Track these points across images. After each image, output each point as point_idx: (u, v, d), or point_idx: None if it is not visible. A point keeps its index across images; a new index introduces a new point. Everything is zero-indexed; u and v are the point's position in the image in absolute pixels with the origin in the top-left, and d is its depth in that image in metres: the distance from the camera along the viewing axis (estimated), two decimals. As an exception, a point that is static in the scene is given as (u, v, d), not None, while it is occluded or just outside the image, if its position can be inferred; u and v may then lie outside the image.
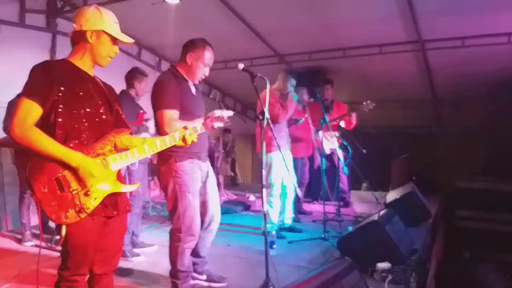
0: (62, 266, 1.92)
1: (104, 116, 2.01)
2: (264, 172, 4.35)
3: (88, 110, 1.93)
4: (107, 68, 2.10)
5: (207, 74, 2.97)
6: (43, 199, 1.76)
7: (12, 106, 4.22)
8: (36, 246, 4.20)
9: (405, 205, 4.63)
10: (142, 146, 2.04)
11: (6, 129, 4.17)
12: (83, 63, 2.01)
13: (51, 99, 1.81)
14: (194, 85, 3.01)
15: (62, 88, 1.84)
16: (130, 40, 2.07)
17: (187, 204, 2.80)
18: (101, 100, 2.02)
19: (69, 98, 1.86)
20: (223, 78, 7.58)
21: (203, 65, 2.90)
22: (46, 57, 5.47)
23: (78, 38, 1.99)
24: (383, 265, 3.15)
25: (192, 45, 2.91)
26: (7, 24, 5.02)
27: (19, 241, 4.33)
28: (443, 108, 7.70)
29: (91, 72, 2.05)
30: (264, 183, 4.29)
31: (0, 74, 4.91)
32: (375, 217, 3.58)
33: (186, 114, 2.79)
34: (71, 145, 1.85)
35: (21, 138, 1.75)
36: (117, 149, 2.03)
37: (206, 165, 3.04)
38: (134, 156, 2.01)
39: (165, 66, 7.46)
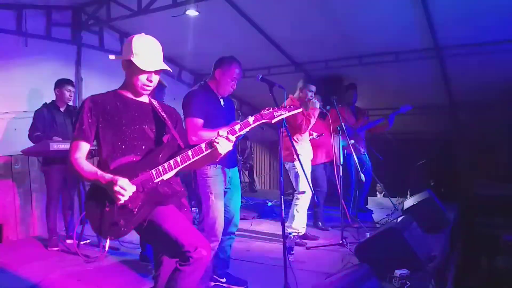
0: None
1: (151, 136, 2.21)
2: (292, 181, 4.53)
3: (131, 135, 2.15)
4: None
5: (234, 87, 3.18)
6: (90, 216, 2.06)
7: (37, 115, 4.42)
8: (62, 251, 4.34)
9: (423, 212, 4.61)
10: (181, 156, 2.13)
11: (31, 137, 4.33)
12: (128, 91, 2.22)
13: (94, 133, 2.13)
14: (224, 98, 3.20)
15: (102, 122, 2.12)
16: (153, 68, 2.14)
17: (209, 205, 2.98)
18: (148, 123, 2.21)
19: (110, 129, 2.13)
20: (241, 86, 7.64)
21: (230, 79, 3.11)
22: (71, 69, 5.69)
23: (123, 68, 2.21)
24: (401, 272, 3.15)
25: (220, 62, 3.15)
26: (34, 37, 5.22)
27: (46, 246, 4.48)
28: (461, 114, 7.63)
29: (141, 98, 2.25)
30: (296, 191, 4.50)
31: (27, 85, 5.12)
32: (393, 224, 3.60)
33: (213, 125, 2.96)
34: (118, 164, 2.09)
35: (70, 168, 2.09)
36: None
37: (232, 171, 3.21)
38: (173, 165, 2.10)
39: (185, 76, 7.62)
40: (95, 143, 2.21)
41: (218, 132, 2.12)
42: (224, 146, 2.11)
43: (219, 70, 3.10)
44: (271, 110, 2.30)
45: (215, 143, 2.09)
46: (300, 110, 2.52)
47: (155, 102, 2.30)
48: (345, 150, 5.14)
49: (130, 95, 2.22)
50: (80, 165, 2.05)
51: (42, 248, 4.48)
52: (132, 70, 2.13)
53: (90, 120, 2.10)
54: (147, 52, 2.13)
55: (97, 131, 2.12)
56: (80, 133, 2.09)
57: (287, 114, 2.33)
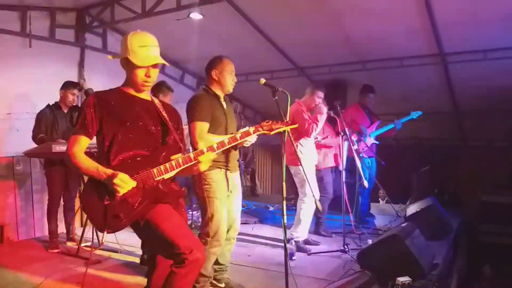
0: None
1: (154, 134, 2.24)
2: (298, 184, 4.51)
3: (135, 132, 2.18)
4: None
5: (235, 79, 3.24)
6: (88, 209, 2.10)
7: (40, 116, 4.44)
8: (62, 253, 4.32)
9: (426, 219, 4.59)
10: (180, 157, 2.18)
11: (35, 138, 4.34)
12: (130, 89, 2.25)
13: (96, 130, 2.15)
14: (225, 101, 3.23)
15: (106, 117, 2.14)
16: (147, 63, 2.16)
17: (214, 210, 3.00)
18: (152, 120, 2.24)
19: (114, 125, 2.15)
20: (244, 90, 7.67)
21: (228, 74, 3.17)
22: (74, 70, 5.69)
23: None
24: (403, 279, 3.13)
25: (212, 64, 3.20)
26: (38, 38, 5.22)
27: (46, 248, 4.47)
28: (466, 121, 7.57)
29: (143, 95, 2.28)
30: (302, 195, 4.44)
31: (30, 86, 5.11)
32: (395, 231, 3.57)
33: (218, 127, 3.04)
34: (121, 162, 2.11)
35: (68, 161, 2.14)
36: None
37: (234, 176, 3.23)
38: (175, 165, 2.15)
39: (188, 79, 7.62)
40: (95, 144, 2.22)
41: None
42: (205, 161, 2.19)
43: (215, 71, 3.15)
44: (270, 122, 2.46)
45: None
46: (296, 126, 2.79)
47: (156, 100, 2.34)
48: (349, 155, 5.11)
49: (133, 92, 2.25)
50: (79, 159, 2.10)
51: (42, 250, 4.48)
52: (130, 67, 2.17)
53: (93, 116, 2.12)
54: (142, 48, 2.15)
55: (100, 126, 2.15)
56: (82, 128, 2.13)
57: (284, 128, 2.52)
